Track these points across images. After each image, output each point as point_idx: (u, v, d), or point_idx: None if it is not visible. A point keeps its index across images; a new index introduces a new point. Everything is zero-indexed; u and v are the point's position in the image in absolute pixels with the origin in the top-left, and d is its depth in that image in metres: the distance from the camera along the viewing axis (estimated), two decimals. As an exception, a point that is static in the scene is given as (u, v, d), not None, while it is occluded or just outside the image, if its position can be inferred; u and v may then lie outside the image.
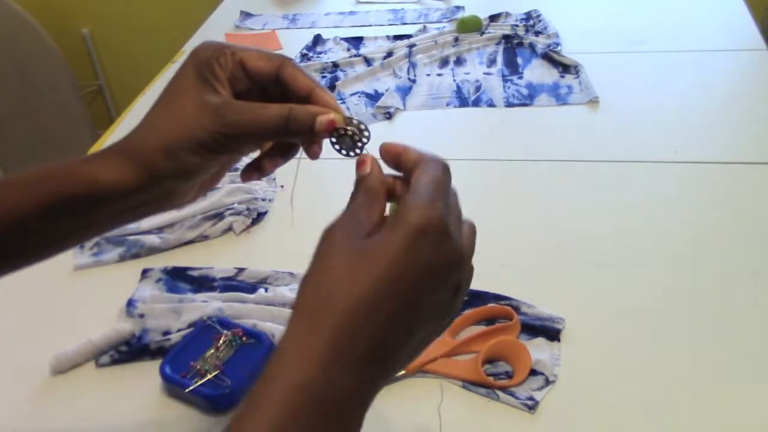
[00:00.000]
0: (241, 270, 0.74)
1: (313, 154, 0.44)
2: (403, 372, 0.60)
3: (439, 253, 0.34)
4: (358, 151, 0.42)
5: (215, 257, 0.77)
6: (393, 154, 0.39)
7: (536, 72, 1.11)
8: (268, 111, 0.42)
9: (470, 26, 1.24)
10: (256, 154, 0.47)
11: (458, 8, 1.36)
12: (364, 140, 0.42)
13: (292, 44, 1.29)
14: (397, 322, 0.34)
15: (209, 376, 0.60)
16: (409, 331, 0.35)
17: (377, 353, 0.33)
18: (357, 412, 0.34)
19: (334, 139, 0.42)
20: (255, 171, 0.46)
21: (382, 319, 0.33)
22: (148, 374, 0.63)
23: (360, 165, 0.39)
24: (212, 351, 0.62)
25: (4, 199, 0.42)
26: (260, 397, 0.32)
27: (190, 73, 0.43)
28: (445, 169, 0.37)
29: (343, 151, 0.43)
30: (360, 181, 0.38)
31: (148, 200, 0.44)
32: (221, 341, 0.63)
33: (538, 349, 0.61)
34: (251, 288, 0.72)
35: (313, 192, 0.83)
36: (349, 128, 0.42)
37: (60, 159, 0.43)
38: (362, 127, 0.42)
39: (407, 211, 0.34)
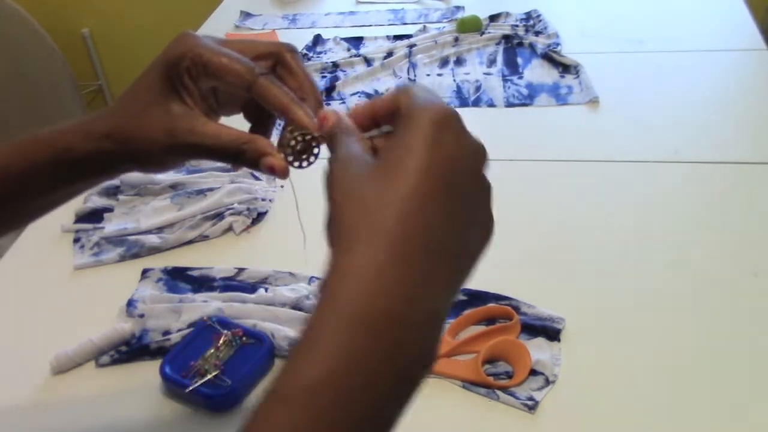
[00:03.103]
0: (241, 270, 0.74)
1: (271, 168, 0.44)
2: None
3: (461, 143, 0.33)
4: (305, 164, 0.43)
5: (215, 257, 0.77)
6: (367, 110, 0.37)
7: (536, 72, 1.11)
8: (222, 139, 0.42)
9: (470, 26, 1.24)
10: None
11: (458, 8, 1.36)
12: (312, 160, 0.43)
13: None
14: (448, 223, 0.32)
15: (209, 376, 0.60)
16: (461, 228, 0.33)
17: (440, 259, 0.31)
18: (438, 326, 0.32)
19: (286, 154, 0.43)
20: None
21: (433, 222, 0.31)
22: (148, 374, 0.63)
23: (324, 119, 0.38)
24: (212, 351, 0.62)
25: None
26: (321, 332, 0.30)
27: (161, 73, 0.43)
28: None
29: (295, 163, 0.43)
30: (334, 135, 0.37)
31: (110, 169, 0.46)
32: (221, 341, 0.63)
33: (538, 349, 0.61)
34: (251, 288, 0.72)
35: (312, 192, 0.83)
36: (298, 145, 0.42)
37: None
38: (313, 145, 0.43)
39: (416, 113, 0.33)
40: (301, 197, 0.52)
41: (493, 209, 0.35)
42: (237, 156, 0.42)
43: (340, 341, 0.29)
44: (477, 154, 0.34)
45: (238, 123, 0.46)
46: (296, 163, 0.43)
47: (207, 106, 0.44)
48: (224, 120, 0.46)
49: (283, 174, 0.42)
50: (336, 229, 0.32)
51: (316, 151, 0.43)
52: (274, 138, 0.45)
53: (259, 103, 0.43)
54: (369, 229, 0.31)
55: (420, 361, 0.31)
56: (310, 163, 0.43)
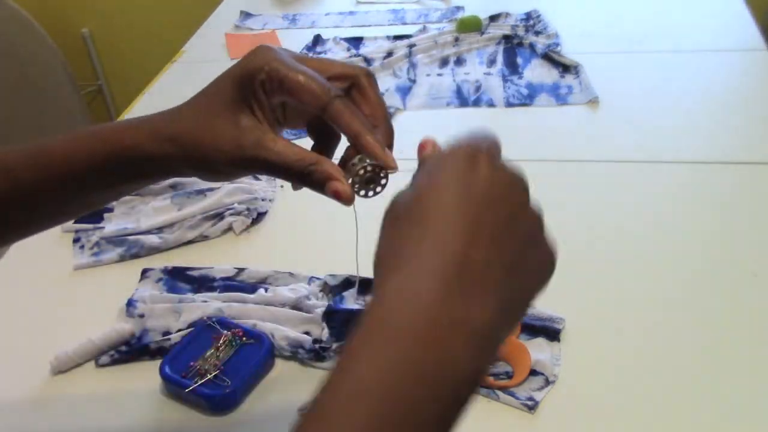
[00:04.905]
0: (241, 270, 0.74)
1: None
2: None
3: (496, 170, 0.34)
4: (371, 193, 0.43)
5: (215, 257, 0.77)
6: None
7: (536, 72, 1.11)
8: (288, 157, 0.42)
9: (470, 26, 1.24)
10: None
11: (458, 8, 1.36)
12: (378, 190, 0.43)
13: (292, 44, 1.29)
14: (487, 243, 0.32)
15: (209, 376, 0.60)
16: (507, 255, 0.32)
17: (485, 279, 0.31)
18: (491, 345, 0.31)
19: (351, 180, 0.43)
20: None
21: (474, 251, 0.31)
22: (148, 374, 0.63)
23: (422, 148, 0.38)
24: (212, 351, 0.62)
25: (59, 157, 0.45)
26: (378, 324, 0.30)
27: (234, 84, 0.42)
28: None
29: (361, 192, 0.43)
30: (422, 163, 0.38)
31: (172, 172, 0.46)
32: (221, 341, 0.63)
33: (538, 349, 0.61)
34: (251, 288, 0.72)
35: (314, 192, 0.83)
36: (366, 174, 0.42)
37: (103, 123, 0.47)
38: (381, 175, 0.43)
39: (451, 148, 0.35)
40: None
41: (548, 237, 0.35)
42: (302, 176, 0.42)
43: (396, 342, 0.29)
44: (516, 182, 0.34)
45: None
46: (362, 192, 0.43)
47: (273, 118, 0.44)
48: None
49: (348, 201, 0.42)
50: (384, 252, 0.33)
51: (383, 182, 0.43)
52: (336, 158, 0.45)
53: (327, 122, 0.42)
54: (417, 248, 0.31)
55: (472, 375, 0.30)
56: (376, 193, 0.43)
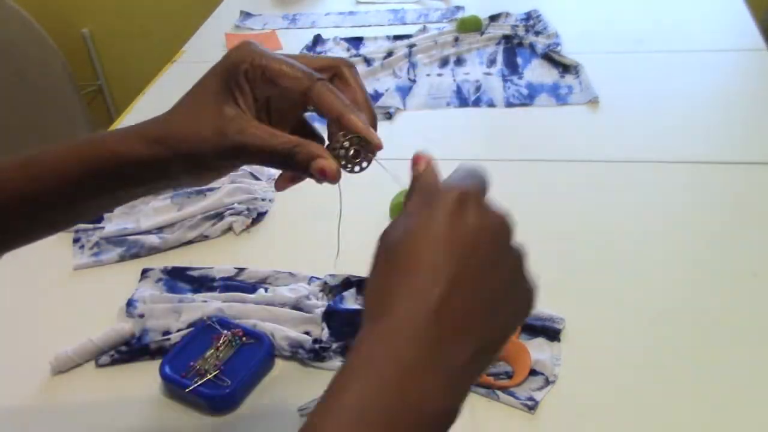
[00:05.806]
0: (241, 270, 0.74)
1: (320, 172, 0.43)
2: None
3: (483, 215, 0.35)
4: (357, 168, 0.43)
5: (215, 257, 0.77)
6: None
7: (536, 72, 1.11)
8: (272, 141, 0.42)
9: (470, 26, 1.24)
10: None
11: (458, 8, 1.36)
12: (365, 165, 0.43)
13: (292, 44, 1.29)
14: (470, 288, 0.33)
15: (209, 376, 0.60)
16: (488, 294, 0.33)
17: (465, 323, 0.32)
18: (460, 389, 0.33)
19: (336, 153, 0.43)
20: (288, 180, 0.47)
21: (457, 291, 0.32)
22: (148, 374, 0.63)
23: (415, 163, 0.39)
24: (212, 351, 0.62)
25: (49, 166, 0.46)
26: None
27: (218, 76, 0.43)
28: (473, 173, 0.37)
29: (347, 167, 0.43)
30: (415, 180, 0.38)
31: (164, 176, 0.46)
32: (221, 341, 0.63)
33: (538, 349, 0.61)
34: (251, 288, 0.72)
35: (313, 192, 0.83)
36: (350, 149, 0.42)
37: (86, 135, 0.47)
38: (363, 152, 0.43)
39: (442, 189, 0.35)
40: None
41: (528, 275, 0.36)
42: (287, 159, 0.42)
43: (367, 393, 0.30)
44: (501, 225, 0.36)
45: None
46: (348, 167, 0.43)
47: (258, 110, 0.44)
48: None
49: (335, 178, 0.41)
50: (375, 293, 0.34)
51: (369, 156, 0.43)
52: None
53: (307, 125, 0.43)
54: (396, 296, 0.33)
55: (448, 412, 0.32)
56: (362, 169, 0.43)
